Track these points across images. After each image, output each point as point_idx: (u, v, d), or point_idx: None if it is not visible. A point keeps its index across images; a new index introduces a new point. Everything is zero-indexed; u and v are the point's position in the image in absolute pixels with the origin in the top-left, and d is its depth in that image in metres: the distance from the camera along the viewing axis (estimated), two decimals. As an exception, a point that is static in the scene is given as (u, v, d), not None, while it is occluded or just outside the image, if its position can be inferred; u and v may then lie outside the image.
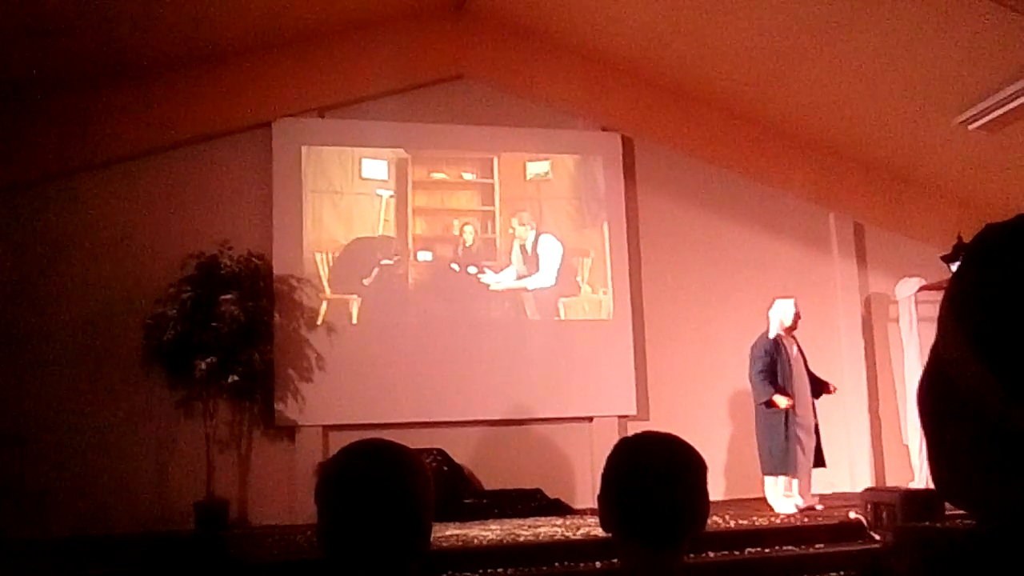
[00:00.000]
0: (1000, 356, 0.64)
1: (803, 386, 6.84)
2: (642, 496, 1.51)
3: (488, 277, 8.30)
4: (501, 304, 8.31)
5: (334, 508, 1.41)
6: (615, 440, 1.65)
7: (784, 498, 6.76)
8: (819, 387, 6.95)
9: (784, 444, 6.67)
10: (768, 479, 6.88)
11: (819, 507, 6.75)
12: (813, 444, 6.77)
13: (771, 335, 6.88)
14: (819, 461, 6.80)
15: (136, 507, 7.14)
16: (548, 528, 6.37)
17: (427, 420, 7.72)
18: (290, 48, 7.95)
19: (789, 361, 6.82)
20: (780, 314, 6.93)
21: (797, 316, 6.91)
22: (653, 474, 1.51)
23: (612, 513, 1.55)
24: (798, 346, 6.98)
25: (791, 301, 6.99)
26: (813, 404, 6.89)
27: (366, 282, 8.03)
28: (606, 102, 8.73)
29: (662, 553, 1.51)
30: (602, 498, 1.57)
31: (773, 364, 6.76)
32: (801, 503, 6.69)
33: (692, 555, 5.08)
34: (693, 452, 1.56)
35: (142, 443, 7.34)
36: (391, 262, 8.12)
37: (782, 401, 6.62)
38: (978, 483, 0.69)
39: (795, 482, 6.81)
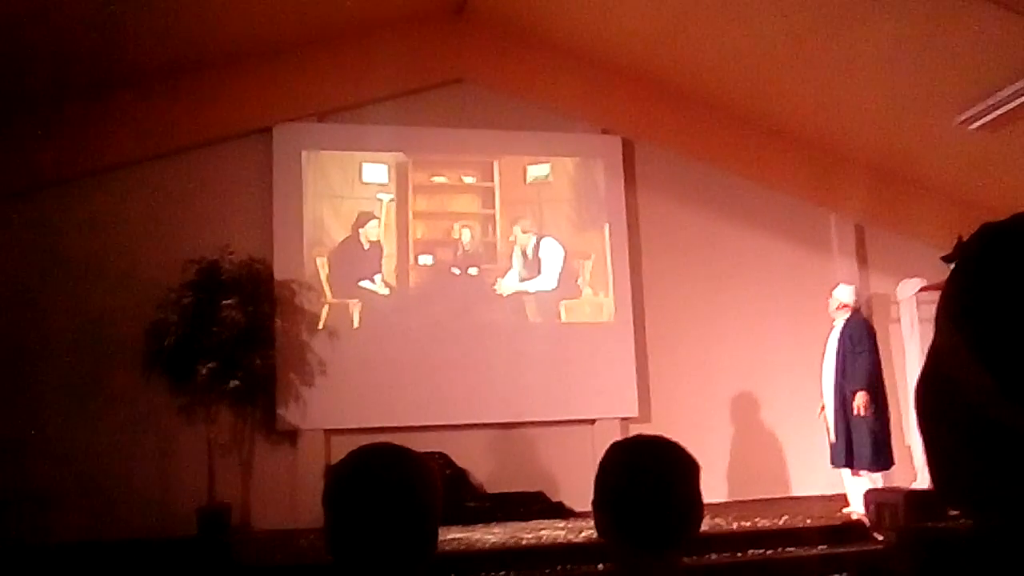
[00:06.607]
0: (997, 356, 0.64)
1: (828, 377, 6.70)
2: (634, 500, 1.50)
3: (498, 283, 8.29)
4: (502, 307, 8.30)
5: (342, 511, 1.42)
6: (618, 442, 1.65)
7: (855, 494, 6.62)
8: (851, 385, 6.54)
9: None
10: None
11: (857, 514, 6.45)
12: (842, 442, 6.54)
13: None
14: (847, 461, 6.59)
15: (138, 512, 7.13)
16: (551, 531, 6.36)
17: (429, 423, 7.72)
18: (290, 53, 7.96)
19: (825, 348, 6.80)
20: (837, 298, 6.86)
21: (839, 303, 6.78)
22: (644, 477, 1.51)
23: (606, 518, 1.55)
24: (843, 332, 6.69)
25: (848, 287, 6.93)
26: (840, 397, 6.59)
27: (366, 284, 8.03)
28: (606, 105, 8.73)
29: (655, 555, 1.51)
30: (596, 504, 1.57)
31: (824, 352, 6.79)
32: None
33: (694, 557, 5.07)
34: (684, 453, 1.56)
35: (144, 448, 7.33)
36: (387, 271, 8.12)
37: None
38: (977, 484, 0.69)
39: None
